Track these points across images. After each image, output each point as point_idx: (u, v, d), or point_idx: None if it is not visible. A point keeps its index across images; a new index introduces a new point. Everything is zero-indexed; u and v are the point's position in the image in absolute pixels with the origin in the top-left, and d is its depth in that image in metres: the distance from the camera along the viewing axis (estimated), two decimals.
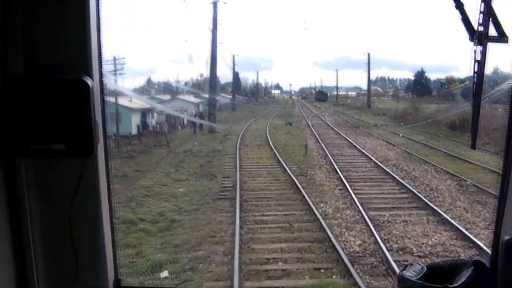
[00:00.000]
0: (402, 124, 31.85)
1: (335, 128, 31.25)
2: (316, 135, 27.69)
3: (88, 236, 1.89)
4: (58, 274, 1.90)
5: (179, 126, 33.58)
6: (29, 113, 1.73)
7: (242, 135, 28.43)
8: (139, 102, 30.76)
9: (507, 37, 1.94)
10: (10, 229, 1.80)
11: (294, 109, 50.10)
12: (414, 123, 30.44)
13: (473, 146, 2.01)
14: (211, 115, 33.08)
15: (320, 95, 60.32)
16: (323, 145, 23.48)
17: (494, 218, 2.03)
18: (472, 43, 1.96)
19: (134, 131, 28.25)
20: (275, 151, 21.71)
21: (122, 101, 27.58)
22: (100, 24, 1.87)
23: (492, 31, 1.93)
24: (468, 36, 1.97)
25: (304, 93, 67.63)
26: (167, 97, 41.00)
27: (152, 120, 32.17)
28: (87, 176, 1.84)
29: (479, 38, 1.93)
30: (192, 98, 41.81)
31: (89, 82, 1.75)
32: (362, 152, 20.95)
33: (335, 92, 60.30)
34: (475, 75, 1.94)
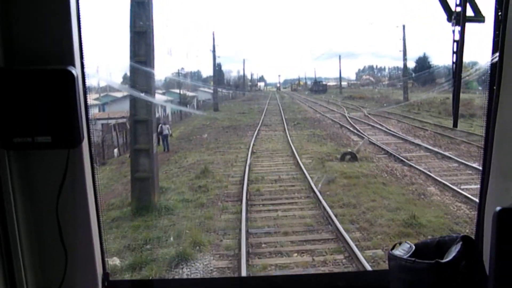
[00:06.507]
0: None
1: None
2: None
3: (76, 229, 1.87)
4: (46, 270, 1.87)
5: (115, 150, 18.76)
6: (12, 105, 1.70)
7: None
8: None
9: (483, 17, 1.98)
10: None
11: (301, 107, 34.72)
12: None
13: (455, 124, 2.04)
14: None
15: (318, 87, 52.63)
16: None
17: (478, 191, 2.06)
18: (450, 24, 2.00)
19: None
20: None
21: None
22: (80, 13, 1.84)
23: (469, 11, 1.98)
24: (446, 17, 2.00)
25: (294, 85, 63.53)
26: (122, 94, 26.71)
27: None
28: (73, 169, 1.82)
29: (457, 18, 1.97)
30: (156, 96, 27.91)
31: (74, 71, 1.73)
32: None
33: (328, 83, 54.42)
34: (454, 55, 1.98)
